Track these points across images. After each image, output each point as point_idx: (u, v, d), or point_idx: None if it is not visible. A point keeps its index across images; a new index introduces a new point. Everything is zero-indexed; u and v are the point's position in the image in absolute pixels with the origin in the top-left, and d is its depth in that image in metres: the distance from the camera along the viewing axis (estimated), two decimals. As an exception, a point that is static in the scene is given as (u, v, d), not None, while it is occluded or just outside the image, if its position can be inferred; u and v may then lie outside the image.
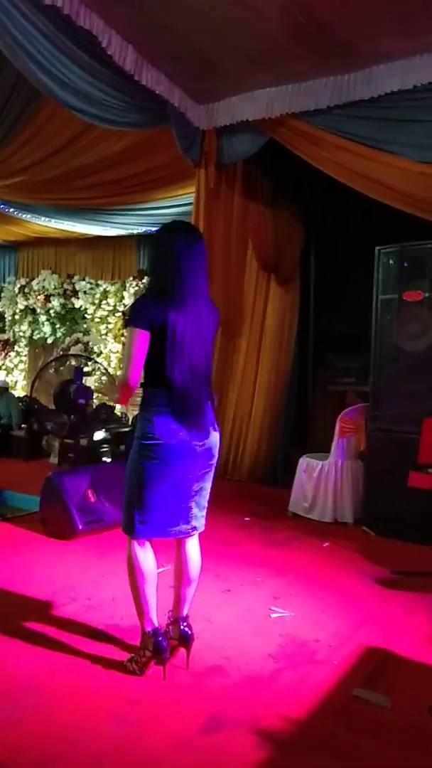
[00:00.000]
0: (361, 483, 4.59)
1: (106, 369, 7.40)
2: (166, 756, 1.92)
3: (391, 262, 4.40)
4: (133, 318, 2.23)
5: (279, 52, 4.19)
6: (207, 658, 2.50)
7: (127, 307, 7.89)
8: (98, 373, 8.08)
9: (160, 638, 2.31)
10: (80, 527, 3.91)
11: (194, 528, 2.44)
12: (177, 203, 6.61)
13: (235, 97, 4.93)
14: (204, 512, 2.48)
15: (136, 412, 2.92)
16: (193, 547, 2.48)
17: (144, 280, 8.11)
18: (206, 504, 2.48)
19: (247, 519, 4.57)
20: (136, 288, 8.20)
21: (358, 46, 4.05)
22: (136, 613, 2.37)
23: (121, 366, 2.27)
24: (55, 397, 5.07)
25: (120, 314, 8.55)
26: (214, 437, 2.40)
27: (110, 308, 8.64)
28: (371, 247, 4.50)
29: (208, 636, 2.67)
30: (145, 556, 2.36)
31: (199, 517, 2.45)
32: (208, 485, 2.46)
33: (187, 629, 2.42)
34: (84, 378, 5.23)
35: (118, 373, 2.25)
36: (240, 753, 1.95)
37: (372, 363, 4.48)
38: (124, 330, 2.31)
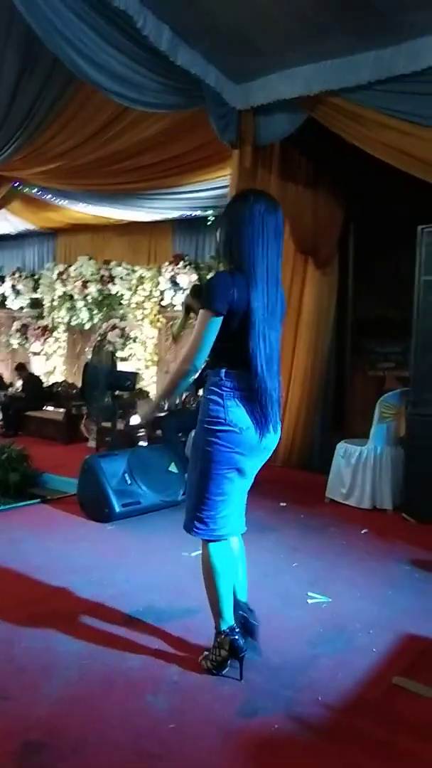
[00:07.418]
0: (401, 469, 4.50)
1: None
2: (201, 738, 1.92)
3: (433, 241, 4.26)
4: (212, 300, 2.04)
5: (316, 28, 4.06)
6: (244, 642, 2.49)
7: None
8: (134, 358, 8.13)
9: (236, 637, 2.22)
10: (117, 509, 3.95)
11: (244, 527, 2.37)
12: (213, 186, 6.54)
13: (272, 76, 4.81)
14: None
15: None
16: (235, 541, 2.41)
17: (179, 265, 8.08)
18: None
19: (283, 504, 4.54)
20: (172, 273, 8.19)
21: (400, 18, 3.89)
22: (212, 611, 2.27)
23: (190, 346, 2.08)
24: (92, 381, 5.12)
25: (155, 299, 8.56)
26: (275, 439, 2.23)
27: (146, 294, 8.66)
28: (413, 227, 4.37)
29: (245, 620, 2.65)
30: (223, 554, 2.23)
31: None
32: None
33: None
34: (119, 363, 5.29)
35: (182, 351, 2.12)
36: (275, 739, 1.94)
37: (413, 347, 4.37)
38: (199, 308, 2.07)
